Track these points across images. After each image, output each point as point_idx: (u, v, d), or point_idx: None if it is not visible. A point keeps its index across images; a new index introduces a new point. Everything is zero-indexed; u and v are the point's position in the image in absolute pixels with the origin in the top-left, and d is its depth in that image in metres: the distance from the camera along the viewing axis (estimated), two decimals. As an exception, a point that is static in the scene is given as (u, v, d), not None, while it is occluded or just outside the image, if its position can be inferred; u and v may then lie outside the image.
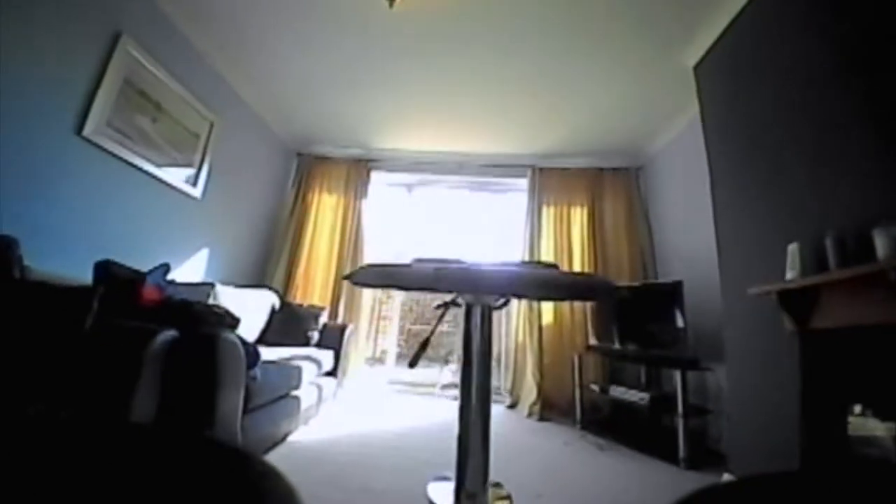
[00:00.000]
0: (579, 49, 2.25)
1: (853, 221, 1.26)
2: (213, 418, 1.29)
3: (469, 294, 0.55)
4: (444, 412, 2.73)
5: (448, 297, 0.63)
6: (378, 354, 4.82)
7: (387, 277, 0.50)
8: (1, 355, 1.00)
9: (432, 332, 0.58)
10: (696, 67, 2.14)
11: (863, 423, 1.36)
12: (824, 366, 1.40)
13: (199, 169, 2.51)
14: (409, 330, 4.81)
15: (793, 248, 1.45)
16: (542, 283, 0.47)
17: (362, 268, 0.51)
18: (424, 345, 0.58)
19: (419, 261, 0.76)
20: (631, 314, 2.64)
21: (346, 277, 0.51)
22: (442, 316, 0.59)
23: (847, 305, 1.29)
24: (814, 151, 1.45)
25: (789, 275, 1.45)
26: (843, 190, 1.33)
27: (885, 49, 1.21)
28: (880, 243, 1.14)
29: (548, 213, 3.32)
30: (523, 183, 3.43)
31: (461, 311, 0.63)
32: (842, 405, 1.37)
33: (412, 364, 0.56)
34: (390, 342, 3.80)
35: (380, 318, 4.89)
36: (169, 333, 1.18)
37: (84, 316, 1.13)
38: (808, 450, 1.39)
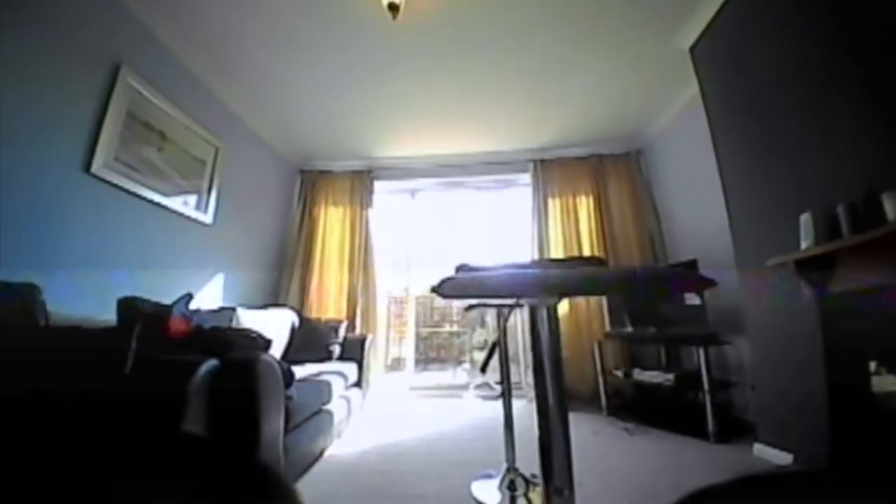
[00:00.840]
0: (572, 40, 2.27)
1: (862, 187, 1.28)
2: (259, 442, 1.31)
3: (538, 296, 0.58)
4: (471, 413, 2.76)
5: (510, 300, 0.65)
6: (391, 362, 4.85)
7: (474, 287, 0.52)
8: (39, 406, 1.01)
9: (500, 338, 0.60)
10: (693, 49, 2.16)
11: (880, 381, 1.40)
12: (844, 329, 1.43)
13: (208, 195, 2.52)
14: (419, 333, 4.84)
15: (805, 217, 1.49)
16: (619, 278, 0.50)
17: (445, 279, 0.53)
18: (494, 348, 0.60)
19: (463, 267, 0.78)
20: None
21: (435, 290, 0.53)
22: (508, 316, 0.62)
23: (862, 269, 1.33)
24: (818, 121, 1.47)
25: (804, 244, 1.48)
26: (851, 157, 1.36)
27: (887, 17, 1.23)
28: (890, 206, 1.17)
29: (554, 205, 3.35)
30: (526, 177, 3.46)
31: (475, 312, 0.66)
32: (863, 365, 1.40)
33: (483, 369, 0.59)
34: (407, 348, 3.82)
35: (396, 324, 4.92)
36: (210, 363, 1.20)
37: (124, 356, 1.14)
38: (835, 412, 1.43)
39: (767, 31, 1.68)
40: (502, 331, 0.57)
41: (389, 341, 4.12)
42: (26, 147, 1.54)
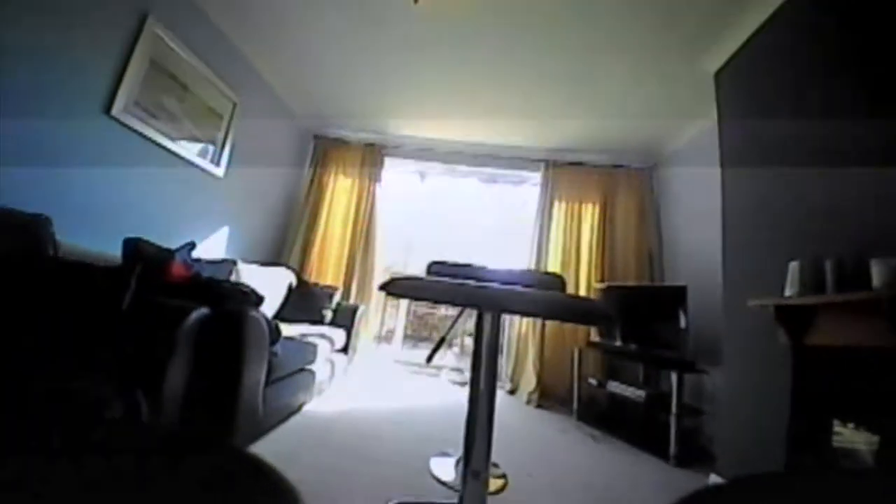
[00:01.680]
0: (602, 47, 2.21)
1: (853, 247, 1.29)
2: (239, 388, 1.42)
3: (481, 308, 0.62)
4: (445, 394, 2.87)
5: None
6: (385, 333, 5.00)
7: (417, 290, 0.57)
8: (43, 332, 1.11)
9: (448, 332, 0.65)
10: (718, 74, 2.10)
11: (848, 435, 1.42)
12: (814, 380, 1.45)
13: (222, 148, 2.58)
14: (415, 311, 4.97)
15: (794, 265, 1.48)
16: (547, 305, 0.54)
17: (395, 279, 0.58)
18: (440, 343, 0.65)
19: (436, 263, 0.83)
20: (635, 313, 2.69)
21: (382, 288, 0.58)
22: (457, 318, 0.67)
23: (841, 326, 1.34)
24: (822, 172, 1.46)
25: (788, 291, 1.49)
26: (847, 215, 1.36)
27: None
28: (876, 272, 1.18)
29: (559, 209, 3.33)
30: (536, 177, 3.44)
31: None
32: (828, 419, 1.42)
33: (429, 359, 0.64)
34: (399, 322, 3.94)
35: (389, 299, 5.03)
36: (201, 311, 1.29)
37: (122, 294, 1.23)
38: (793, 458, 1.46)
39: (789, 70, 1.64)
40: (449, 328, 0.61)
41: (385, 314, 4.24)
42: (51, 86, 1.60)
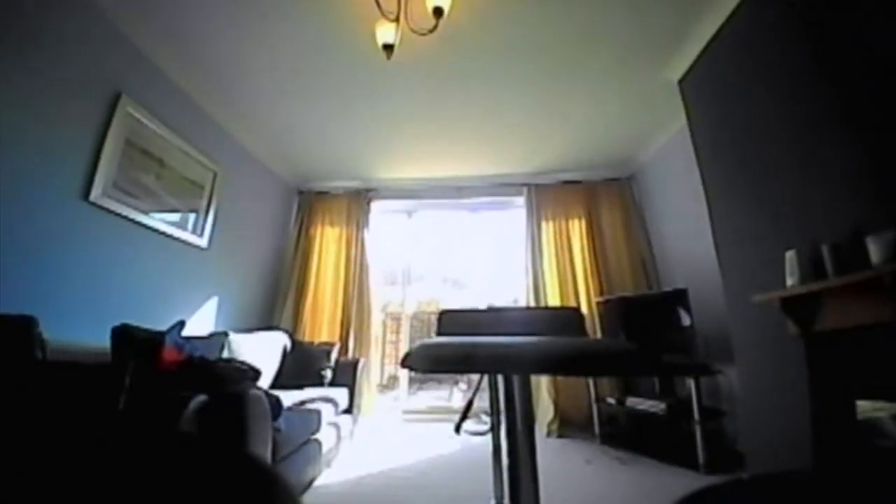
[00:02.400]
0: (565, 73, 2.35)
1: (847, 228, 1.31)
2: (245, 477, 1.30)
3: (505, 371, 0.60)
4: (461, 441, 2.70)
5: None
6: (387, 381, 4.79)
7: (437, 362, 0.54)
8: (33, 441, 1.00)
9: (475, 395, 0.62)
10: (681, 82, 2.23)
11: (870, 410, 1.40)
12: (829, 364, 1.44)
13: (205, 218, 2.55)
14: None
15: (790, 255, 1.50)
16: (578, 356, 0.52)
17: (419, 346, 0.55)
18: (467, 409, 0.62)
19: (448, 312, 0.81)
20: (639, 323, 2.69)
21: (404, 364, 0.55)
22: (480, 381, 0.64)
23: (846, 309, 1.34)
24: (803, 159, 1.50)
25: (789, 281, 1.50)
26: (836, 197, 1.38)
27: (864, 60, 1.28)
28: (874, 249, 1.19)
29: (547, 228, 3.39)
30: (520, 201, 3.52)
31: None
32: (848, 399, 1.41)
33: (458, 429, 0.60)
34: (401, 369, 3.79)
35: (392, 339, 4.88)
36: (199, 399, 1.21)
37: (117, 394, 1.15)
38: (820, 443, 1.43)
39: (753, 67, 1.73)
40: (473, 392, 0.59)
41: (385, 358, 4.08)
42: (25, 177, 1.56)
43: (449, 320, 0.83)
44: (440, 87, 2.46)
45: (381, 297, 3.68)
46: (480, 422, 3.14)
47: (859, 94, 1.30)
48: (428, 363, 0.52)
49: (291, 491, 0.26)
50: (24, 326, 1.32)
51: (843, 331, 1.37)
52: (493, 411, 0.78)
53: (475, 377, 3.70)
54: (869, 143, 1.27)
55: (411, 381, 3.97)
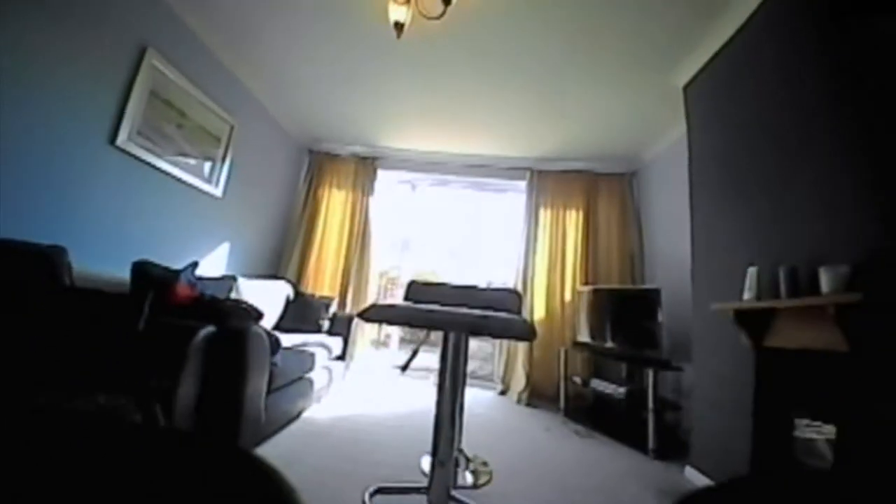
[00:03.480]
0: (576, 62, 2.35)
1: (807, 254, 1.39)
2: (243, 398, 1.55)
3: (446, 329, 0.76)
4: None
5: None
6: (383, 338, 5.13)
7: (389, 317, 0.71)
8: (66, 354, 1.23)
9: (419, 346, 0.79)
10: (686, 88, 2.24)
11: (807, 429, 1.53)
12: (774, 379, 1.55)
13: (220, 169, 2.71)
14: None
15: (752, 271, 1.60)
16: (498, 328, 0.68)
17: (372, 306, 0.72)
18: (413, 356, 0.79)
19: (414, 283, 0.97)
20: (617, 314, 2.84)
21: (360, 315, 0.72)
22: (426, 337, 0.81)
23: (795, 330, 1.43)
24: (777, 183, 1.58)
25: (746, 295, 1.60)
26: (800, 223, 1.46)
27: (853, 100, 1.31)
28: (825, 280, 1.26)
29: (544, 215, 3.48)
30: (522, 185, 3.58)
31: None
32: (788, 414, 1.52)
33: (404, 369, 0.78)
34: (394, 328, 4.06)
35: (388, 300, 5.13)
36: (208, 329, 1.42)
37: (137, 318, 1.36)
38: (757, 451, 1.57)
39: (752, 84, 1.76)
40: (420, 341, 0.75)
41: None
42: (59, 121, 1.71)
43: (414, 289, 1.00)
44: (447, 63, 2.49)
45: (381, 261, 3.87)
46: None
47: (856, 131, 1.31)
48: (377, 317, 0.68)
49: (295, 492, 0.25)
50: (54, 255, 1.52)
51: (791, 350, 1.46)
52: (441, 374, 0.94)
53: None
54: (847, 178, 1.31)
55: (403, 341, 4.27)
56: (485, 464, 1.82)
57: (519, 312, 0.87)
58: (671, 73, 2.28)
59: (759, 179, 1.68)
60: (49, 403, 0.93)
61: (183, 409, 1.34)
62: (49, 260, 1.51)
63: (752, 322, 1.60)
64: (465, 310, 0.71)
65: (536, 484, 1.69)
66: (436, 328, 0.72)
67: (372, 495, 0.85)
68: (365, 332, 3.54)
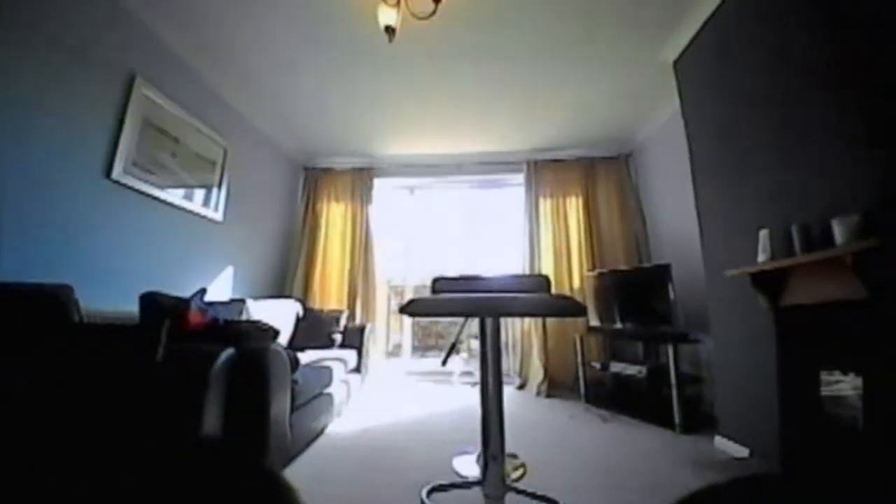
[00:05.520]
0: (564, 49, 2.37)
1: (817, 210, 1.39)
2: (268, 417, 1.53)
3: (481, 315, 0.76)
4: (458, 397, 2.99)
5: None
6: (392, 348, 5.09)
7: (431, 308, 0.71)
8: (84, 395, 1.20)
9: (458, 337, 0.79)
10: (676, 63, 2.26)
11: (835, 383, 1.53)
12: (796, 337, 1.56)
13: (218, 193, 2.70)
14: (419, 322, 5.08)
15: (763, 233, 1.62)
16: (534, 306, 0.67)
17: (413, 301, 0.71)
18: (453, 347, 0.78)
19: (440, 279, 0.97)
20: (628, 295, 2.84)
21: (402, 311, 0.72)
22: (463, 325, 0.80)
23: (812, 285, 1.45)
24: (782, 144, 1.58)
25: (761, 258, 1.62)
26: (809, 181, 1.47)
27: (847, 56, 1.32)
28: (838, 231, 1.27)
29: (545, 205, 3.49)
30: (520, 178, 3.59)
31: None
32: (813, 370, 1.51)
33: (444, 363, 0.77)
34: (405, 336, 4.04)
35: (393, 315, 5.12)
36: (229, 351, 1.40)
37: (155, 348, 1.34)
38: (785, 411, 1.58)
39: (742, 51, 1.78)
40: (458, 334, 0.74)
41: (390, 329, 4.33)
42: (52, 159, 1.70)
43: (442, 285, 0.99)
44: (439, 65, 2.50)
45: (385, 271, 3.85)
46: (472, 377, 3.43)
47: (843, 93, 1.33)
48: (421, 310, 0.68)
49: (295, 491, 0.25)
50: (61, 294, 1.49)
51: (810, 306, 1.47)
52: (482, 364, 0.95)
53: (475, 345, 3.89)
54: (847, 131, 1.31)
55: (415, 348, 4.25)
56: (514, 456, 1.80)
57: (549, 293, 0.87)
58: (661, 49, 2.29)
59: (760, 144, 1.69)
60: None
61: (208, 431, 1.32)
62: (56, 299, 1.49)
63: (769, 283, 1.61)
64: (503, 295, 0.71)
65: (571, 471, 1.68)
66: (485, 315, 0.71)
67: (429, 493, 0.83)
68: (377, 343, 3.51)
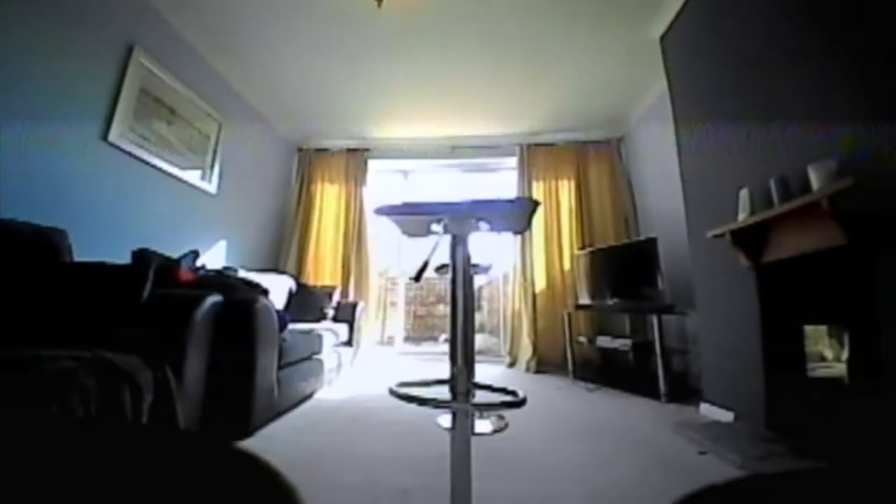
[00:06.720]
0: (553, 29, 2.42)
1: (795, 163, 1.39)
2: (254, 368, 1.55)
3: (449, 221, 0.79)
4: (446, 373, 3.00)
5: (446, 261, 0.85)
6: (386, 339, 5.09)
7: (402, 210, 0.75)
8: (70, 325, 1.22)
9: (430, 256, 0.81)
10: (662, 38, 2.31)
11: (819, 339, 1.49)
12: (779, 294, 1.57)
13: (212, 166, 2.73)
14: (415, 312, 5.09)
15: (744, 193, 1.62)
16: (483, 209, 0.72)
17: (385, 206, 0.76)
18: (425, 265, 0.81)
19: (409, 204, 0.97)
20: (616, 270, 2.87)
21: (377, 211, 0.76)
22: (435, 246, 0.82)
23: (792, 238, 1.43)
24: (764, 104, 1.59)
25: (741, 216, 1.61)
26: (785, 137, 1.49)
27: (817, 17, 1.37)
28: (815, 177, 1.27)
29: (537, 188, 3.53)
30: (513, 161, 3.64)
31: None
32: (797, 328, 1.53)
33: (417, 279, 0.80)
34: (397, 326, 4.04)
35: (387, 305, 5.14)
36: (215, 297, 1.43)
37: (142, 287, 1.36)
38: (769, 367, 1.58)
39: (726, 20, 1.81)
40: (430, 254, 0.76)
41: (385, 318, 4.32)
42: (53, 120, 1.74)
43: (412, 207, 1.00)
44: (427, 40, 2.53)
45: (378, 259, 3.85)
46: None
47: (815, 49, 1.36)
48: (391, 211, 0.73)
49: (294, 491, 0.25)
50: (56, 235, 1.52)
51: (791, 261, 1.46)
52: (453, 292, 0.91)
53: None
54: (825, 84, 1.32)
55: (408, 338, 4.26)
56: (501, 416, 1.82)
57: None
58: (646, 26, 2.33)
59: (742, 107, 1.71)
60: (32, 355, 0.90)
61: (194, 377, 1.34)
62: (51, 239, 1.52)
63: (750, 241, 1.61)
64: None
65: (554, 428, 1.71)
66: (450, 219, 0.75)
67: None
68: (370, 325, 3.53)
